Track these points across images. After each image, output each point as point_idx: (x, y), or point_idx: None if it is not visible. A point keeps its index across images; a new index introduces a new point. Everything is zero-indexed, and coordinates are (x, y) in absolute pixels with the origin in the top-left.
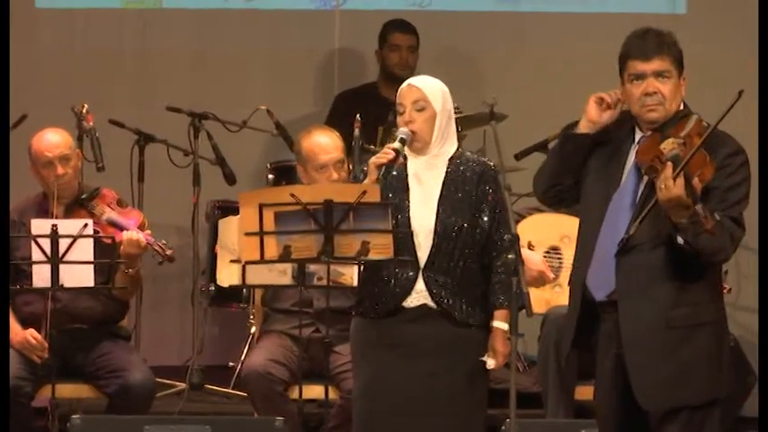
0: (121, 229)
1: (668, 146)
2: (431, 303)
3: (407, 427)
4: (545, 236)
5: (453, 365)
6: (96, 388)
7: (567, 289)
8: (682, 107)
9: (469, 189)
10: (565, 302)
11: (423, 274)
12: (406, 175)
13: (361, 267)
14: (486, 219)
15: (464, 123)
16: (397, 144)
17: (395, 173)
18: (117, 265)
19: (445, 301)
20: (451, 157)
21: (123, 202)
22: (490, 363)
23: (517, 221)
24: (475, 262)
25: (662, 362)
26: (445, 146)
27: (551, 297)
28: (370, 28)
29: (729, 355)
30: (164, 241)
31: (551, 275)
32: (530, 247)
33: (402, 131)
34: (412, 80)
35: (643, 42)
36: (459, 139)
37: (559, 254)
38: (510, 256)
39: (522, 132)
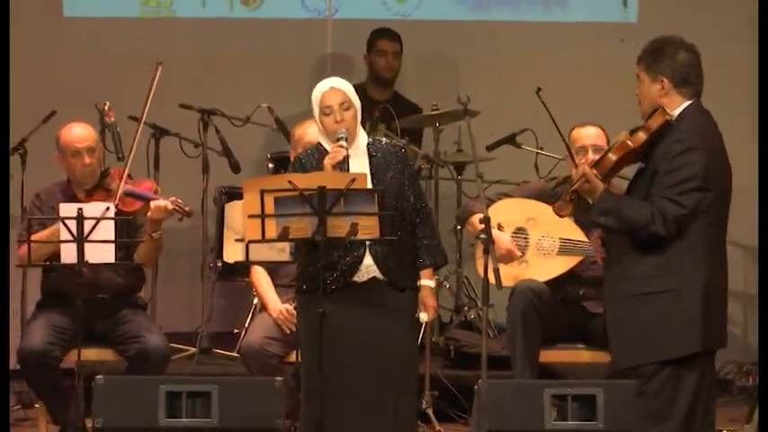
0: (139, 197)
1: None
2: (379, 275)
3: (365, 384)
4: (513, 218)
5: (395, 326)
6: (117, 352)
7: (533, 264)
8: (684, 105)
9: (393, 168)
10: (529, 277)
11: (370, 250)
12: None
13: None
14: (408, 191)
15: (441, 119)
16: (344, 143)
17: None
18: (139, 235)
19: (391, 270)
20: (368, 144)
21: (132, 176)
22: (423, 316)
23: (488, 205)
24: (407, 231)
25: (623, 326)
26: (360, 136)
27: (518, 272)
28: (359, 35)
29: (694, 316)
30: (180, 200)
31: (518, 253)
32: (499, 227)
33: (341, 132)
34: (333, 84)
35: None
36: (437, 132)
37: (525, 234)
38: (482, 236)
39: (493, 127)
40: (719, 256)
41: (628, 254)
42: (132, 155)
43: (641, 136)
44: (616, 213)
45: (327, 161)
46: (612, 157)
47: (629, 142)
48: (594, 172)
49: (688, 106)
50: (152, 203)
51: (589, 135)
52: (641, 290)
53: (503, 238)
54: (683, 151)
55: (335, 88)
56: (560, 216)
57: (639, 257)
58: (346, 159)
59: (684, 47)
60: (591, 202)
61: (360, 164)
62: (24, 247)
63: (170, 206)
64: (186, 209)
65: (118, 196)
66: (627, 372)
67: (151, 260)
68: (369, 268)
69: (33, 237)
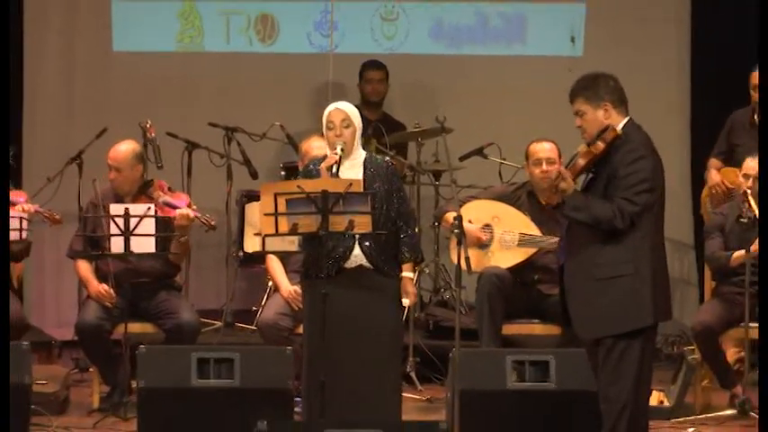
0: (174, 207)
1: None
2: (365, 263)
3: (357, 352)
4: (480, 215)
5: (383, 304)
6: (157, 326)
7: (496, 254)
8: (624, 121)
9: (382, 181)
10: (494, 264)
11: (359, 244)
12: (338, 173)
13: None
14: (394, 200)
15: (422, 135)
16: (339, 151)
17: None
18: (172, 235)
19: (375, 259)
20: (364, 160)
21: (172, 188)
22: (405, 301)
23: (461, 205)
24: (391, 231)
25: (588, 305)
26: (358, 151)
27: (485, 260)
28: (355, 67)
29: (646, 295)
30: (207, 215)
31: (485, 237)
32: (468, 222)
33: (339, 143)
34: (338, 105)
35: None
36: (419, 146)
37: (491, 229)
38: (456, 230)
39: (465, 141)
40: (661, 245)
41: (592, 245)
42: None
43: (600, 145)
44: (586, 209)
45: (323, 165)
46: (581, 161)
47: (593, 150)
48: (569, 173)
49: (627, 122)
50: (176, 211)
51: (543, 149)
52: (608, 274)
53: (472, 228)
54: (637, 159)
55: (339, 109)
56: (551, 205)
57: (603, 248)
58: (337, 163)
59: (609, 75)
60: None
61: (355, 173)
62: (79, 241)
63: (191, 214)
64: (212, 222)
65: (158, 204)
66: (577, 341)
67: (179, 259)
68: (357, 257)
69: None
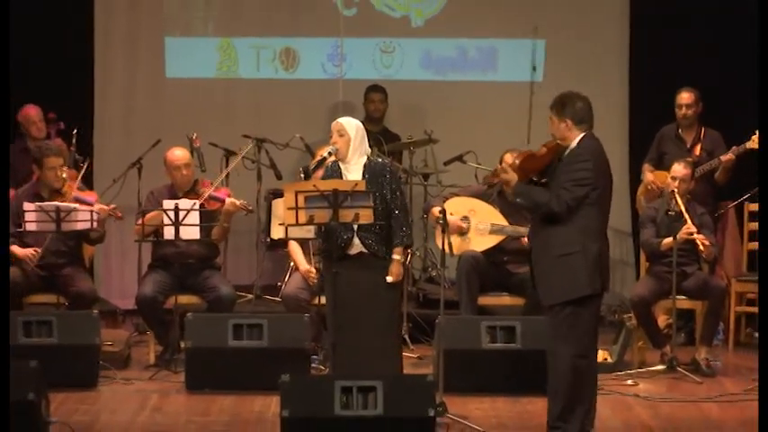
0: (218, 200)
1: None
2: (364, 250)
3: (362, 319)
4: (460, 209)
5: (379, 281)
6: (201, 298)
7: (473, 240)
8: (580, 135)
9: (379, 181)
10: (471, 248)
11: (357, 234)
12: (341, 173)
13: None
14: (388, 197)
15: (414, 145)
16: (325, 153)
17: (334, 173)
18: (217, 222)
19: (372, 246)
20: (365, 163)
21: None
22: (389, 278)
23: (444, 201)
24: (385, 222)
25: (547, 277)
26: (360, 158)
27: (464, 245)
28: (361, 90)
29: (591, 270)
30: (246, 201)
31: (465, 226)
32: (450, 214)
33: (331, 147)
34: (339, 119)
35: None
36: (411, 154)
37: (468, 219)
38: (440, 221)
39: (448, 150)
40: (604, 232)
41: (551, 230)
42: (221, 179)
43: (543, 149)
44: (526, 194)
45: (312, 161)
46: (521, 158)
47: (535, 152)
48: (510, 168)
49: (583, 136)
50: (226, 201)
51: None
52: (561, 252)
53: (452, 219)
54: (581, 161)
55: (338, 121)
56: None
57: (558, 231)
58: (318, 162)
59: (580, 98)
60: (507, 189)
61: (356, 175)
62: (139, 226)
63: (237, 203)
64: (249, 208)
65: (204, 198)
66: (538, 310)
67: (221, 240)
68: (357, 246)
69: (146, 217)
